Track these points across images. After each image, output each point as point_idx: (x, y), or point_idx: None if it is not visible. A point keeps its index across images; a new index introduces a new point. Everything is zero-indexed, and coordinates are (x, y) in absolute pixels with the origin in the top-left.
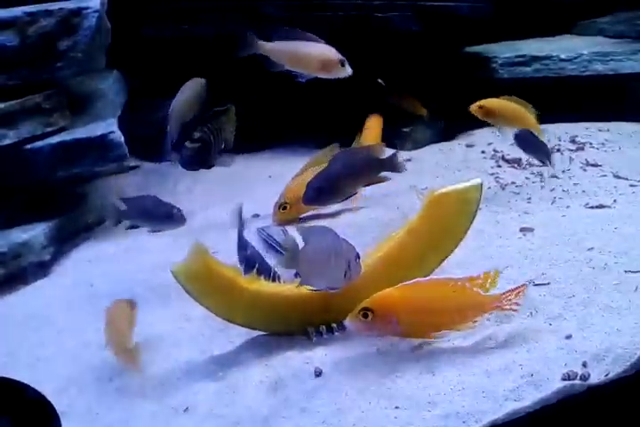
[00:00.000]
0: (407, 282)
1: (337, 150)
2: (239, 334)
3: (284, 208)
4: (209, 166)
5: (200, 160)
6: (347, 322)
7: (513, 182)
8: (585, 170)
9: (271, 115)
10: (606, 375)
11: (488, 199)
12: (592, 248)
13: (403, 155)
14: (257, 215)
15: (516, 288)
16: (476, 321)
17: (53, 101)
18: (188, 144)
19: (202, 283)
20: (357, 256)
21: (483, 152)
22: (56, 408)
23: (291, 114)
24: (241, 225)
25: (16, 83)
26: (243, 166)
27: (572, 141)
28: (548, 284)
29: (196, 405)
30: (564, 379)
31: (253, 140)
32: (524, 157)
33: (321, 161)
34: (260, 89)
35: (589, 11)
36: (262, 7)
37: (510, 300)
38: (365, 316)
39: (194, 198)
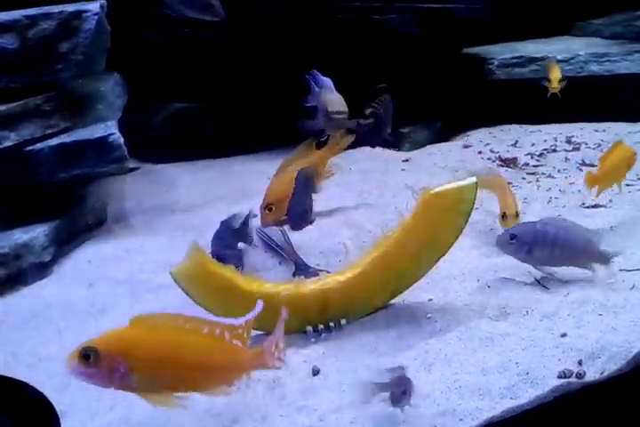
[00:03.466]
0: (148, 320)
1: (311, 147)
2: None
3: (270, 209)
4: (383, 140)
5: (376, 134)
6: (67, 363)
7: (509, 182)
8: (581, 170)
9: (271, 116)
10: (602, 373)
11: (484, 199)
12: None
13: (401, 155)
14: (256, 215)
15: (274, 341)
16: (233, 384)
17: (54, 103)
18: (361, 121)
19: (200, 284)
20: None
21: (480, 153)
22: (56, 407)
23: (290, 115)
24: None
25: (17, 85)
26: (242, 167)
27: (568, 142)
28: (543, 282)
29: (193, 403)
30: (559, 377)
31: (253, 141)
32: (521, 157)
33: (296, 159)
34: (260, 90)
35: (585, 12)
36: (262, 10)
37: (274, 354)
38: (87, 357)
39: (192, 199)
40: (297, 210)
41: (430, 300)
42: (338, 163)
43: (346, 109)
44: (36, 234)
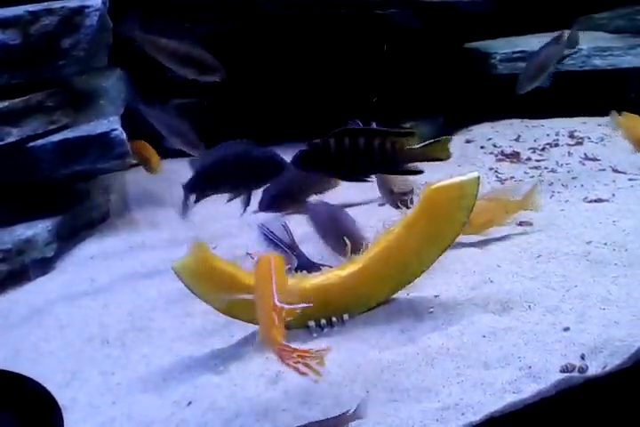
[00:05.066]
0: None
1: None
2: (240, 329)
3: None
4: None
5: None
6: None
7: (512, 177)
8: (583, 164)
9: (273, 112)
10: (604, 368)
11: (487, 194)
12: (590, 242)
13: None
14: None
15: (301, 348)
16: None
17: (56, 99)
18: None
19: (202, 279)
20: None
21: (482, 147)
22: (59, 402)
23: (292, 111)
24: None
25: (19, 81)
26: None
27: (571, 136)
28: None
29: (197, 398)
30: (562, 371)
31: (256, 137)
32: (523, 151)
33: None
34: (261, 86)
35: (588, 6)
36: (263, 5)
37: (291, 352)
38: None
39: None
40: (268, 191)
41: (437, 296)
42: None
43: (412, 188)
44: (39, 230)
